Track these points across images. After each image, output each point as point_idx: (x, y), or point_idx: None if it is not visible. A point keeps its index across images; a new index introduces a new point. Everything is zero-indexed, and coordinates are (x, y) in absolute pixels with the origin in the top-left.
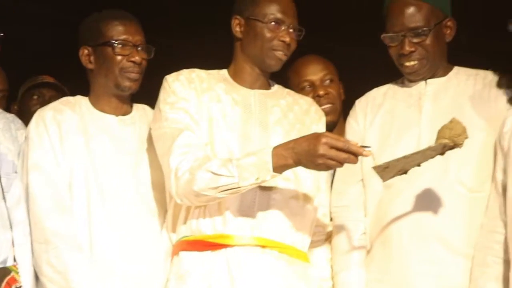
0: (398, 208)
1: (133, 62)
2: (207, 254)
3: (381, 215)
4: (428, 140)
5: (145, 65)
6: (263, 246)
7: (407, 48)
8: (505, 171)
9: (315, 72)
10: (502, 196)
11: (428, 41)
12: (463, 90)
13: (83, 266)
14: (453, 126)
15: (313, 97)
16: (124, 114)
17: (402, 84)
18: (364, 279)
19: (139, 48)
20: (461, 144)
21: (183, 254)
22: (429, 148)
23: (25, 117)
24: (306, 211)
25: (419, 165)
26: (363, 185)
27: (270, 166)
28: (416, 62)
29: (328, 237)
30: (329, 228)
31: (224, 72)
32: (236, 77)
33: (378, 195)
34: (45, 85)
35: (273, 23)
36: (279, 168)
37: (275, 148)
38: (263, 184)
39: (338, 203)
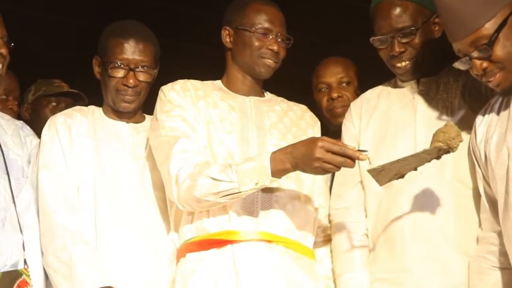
0: (400, 207)
1: (126, 85)
2: (213, 252)
3: (383, 215)
4: (424, 140)
5: (144, 86)
6: (269, 241)
7: (397, 49)
8: (487, 182)
9: (332, 74)
10: (488, 205)
11: (417, 40)
12: (455, 87)
13: (88, 258)
14: (447, 130)
15: (327, 100)
16: (136, 122)
17: (395, 85)
18: (368, 280)
19: (138, 69)
20: (456, 147)
21: (189, 255)
22: (424, 152)
23: (37, 122)
24: (308, 209)
25: (415, 169)
26: (362, 187)
27: (269, 171)
28: (407, 62)
29: (328, 239)
30: (329, 231)
31: (218, 82)
32: (230, 86)
33: (378, 195)
34: (65, 94)
35: (260, 32)
36: (277, 173)
37: (273, 153)
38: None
39: (338, 205)
